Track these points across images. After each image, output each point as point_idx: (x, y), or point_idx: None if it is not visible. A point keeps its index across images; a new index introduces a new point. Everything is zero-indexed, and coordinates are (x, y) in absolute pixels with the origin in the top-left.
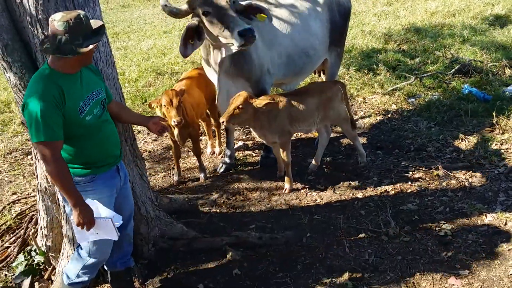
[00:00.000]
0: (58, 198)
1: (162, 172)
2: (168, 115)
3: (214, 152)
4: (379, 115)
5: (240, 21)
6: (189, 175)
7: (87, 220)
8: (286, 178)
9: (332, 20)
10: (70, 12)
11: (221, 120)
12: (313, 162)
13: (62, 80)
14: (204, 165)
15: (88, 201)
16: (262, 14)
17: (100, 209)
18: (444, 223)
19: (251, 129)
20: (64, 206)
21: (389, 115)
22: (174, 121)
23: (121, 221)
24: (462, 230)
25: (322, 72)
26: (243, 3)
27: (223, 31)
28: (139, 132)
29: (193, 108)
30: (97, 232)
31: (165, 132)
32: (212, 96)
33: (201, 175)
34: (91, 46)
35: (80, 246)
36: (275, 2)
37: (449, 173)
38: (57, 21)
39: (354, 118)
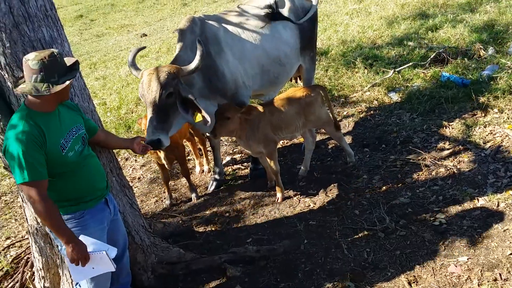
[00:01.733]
0: (50, 238)
1: (153, 198)
2: None
3: (203, 171)
4: (362, 113)
5: (151, 130)
6: (181, 197)
7: (82, 255)
8: (276, 187)
9: (299, 25)
10: (43, 51)
11: (211, 134)
12: (302, 168)
13: (40, 119)
14: (195, 184)
15: (81, 237)
16: (199, 115)
17: (93, 244)
18: (438, 213)
19: (237, 139)
20: (57, 246)
21: (372, 112)
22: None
23: (116, 252)
24: (456, 217)
25: (299, 78)
26: (190, 96)
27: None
28: (126, 159)
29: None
30: (93, 267)
31: (147, 151)
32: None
33: (193, 195)
34: (67, 82)
35: (78, 284)
36: (241, 14)
37: (437, 162)
38: (31, 60)
39: (338, 119)
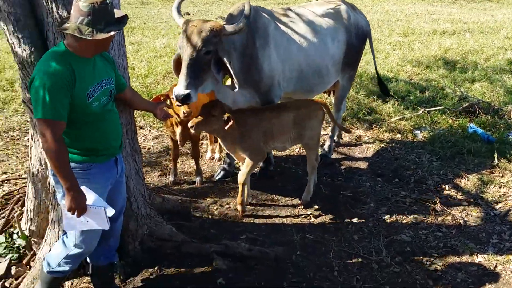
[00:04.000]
0: (49, 183)
1: (158, 171)
2: (177, 108)
3: (213, 158)
4: (383, 143)
5: (182, 83)
6: (185, 178)
7: (80, 206)
8: (238, 198)
9: (349, 42)
10: None
11: (189, 124)
12: (305, 192)
13: (75, 62)
14: (202, 169)
15: (82, 188)
16: (228, 79)
17: (93, 198)
18: (435, 258)
19: (219, 139)
20: (54, 192)
21: (393, 144)
22: (184, 112)
23: (113, 213)
24: (452, 268)
25: (332, 92)
26: (225, 58)
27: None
28: (141, 128)
29: (198, 110)
30: (87, 220)
31: (168, 118)
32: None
33: (197, 179)
34: (112, 33)
35: (66, 235)
36: (295, 16)
37: (445, 209)
38: (83, 2)
39: (358, 142)
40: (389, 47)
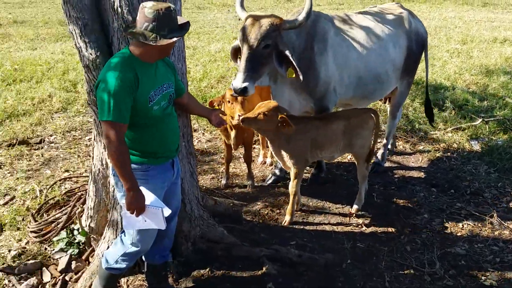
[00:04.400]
0: (109, 183)
1: (210, 174)
2: (231, 111)
3: (265, 162)
4: (439, 152)
5: (240, 77)
6: (237, 181)
7: (139, 206)
8: (288, 208)
9: (409, 48)
10: (161, 3)
11: (237, 116)
12: (356, 201)
13: (139, 67)
14: (253, 173)
15: (141, 189)
16: (291, 70)
17: (151, 198)
18: (491, 273)
19: (269, 143)
20: (114, 191)
21: (449, 154)
22: (238, 115)
23: (169, 213)
24: (509, 284)
25: (388, 99)
26: (287, 52)
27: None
28: (194, 130)
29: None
30: (145, 220)
31: (222, 125)
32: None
33: (249, 183)
34: (174, 39)
35: (124, 233)
36: (356, 22)
37: (503, 222)
38: (148, 8)
39: (412, 151)
40: (447, 55)
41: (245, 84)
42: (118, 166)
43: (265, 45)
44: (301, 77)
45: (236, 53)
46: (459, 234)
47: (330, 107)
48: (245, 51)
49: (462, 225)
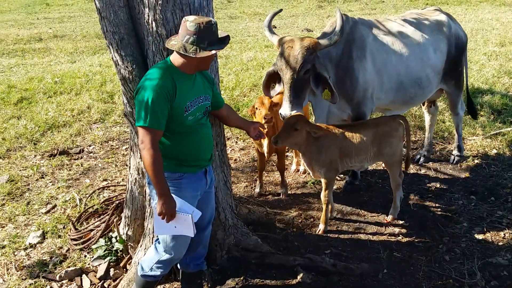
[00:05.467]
0: (145, 191)
1: (244, 182)
2: (260, 116)
3: (298, 170)
4: (477, 159)
5: (287, 105)
6: (270, 189)
7: (169, 211)
8: (321, 217)
9: (449, 52)
10: (202, 17)
11: (272, 139)
12: (392, 210)
13: (178, 76)
14: (287, 181)
15: (173, 196)
16: (327, 92)
17: (181, 204)
18: None
19: (301, 155)
20: (150, 200)
21: (488, 160)
22: (264, 118)
23: (199, 215)
24: None
25: (433, 103)
26: (325, 74)
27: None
28: (227, 139)
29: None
30: (175, 226)
31: (261, 138)
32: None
33: (282, 191)
34: (213, 51)
35: (158, 241)
36: (395, 26)
37: None
38: (190, 22)
39: (448, 158)
40: (484, 58)
41: (294, 111)
42: (151, 171)
43: (305, 71)
44: (337, 99)
45: (270, 79)
46: (500, 243)
47: (367, 113)
48: (286, 80)
49: (504, 234)
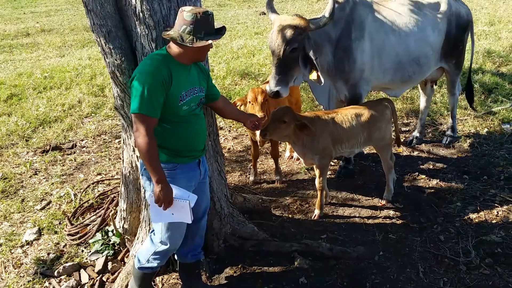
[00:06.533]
0: (139, 184)
1: (238, 171)
2: (252, 111)
3: (292, 157)
4: (469, 138)
5: (273, 81)
6: (265, 177)
7: (167, 198)
8: (316, 203)
9: (449, 31)
10: (199, 8)
11: (260, 133)
12: (386, 192)
13: (174, 65)
14: (281, 168)
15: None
16: (314, 72)
17: (177, 191)
18: None
19: (292, 145)
20: (144, 191)
21: (480, 140)
22: (257, 122)
23: (195, 200)
24: None
25: (435, 83)
26: (311, 54)
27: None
28: (220, 128)
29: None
30: (172, 213)
31: (257, 129)
32: (295, 101)
33: (277, 178)
34: (210, 41)
35: (153, 232)
36: (395, 6)
37: None
38: (187, 12)
39: (441, 139)
40: (474, 37)
41: (277, 88)
42: (147, 158)
43: (291, 49)
44: (322, 81)
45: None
46: (494, 221)
47: (363, 94)
48: (274, 57)
49: (497, 212)
